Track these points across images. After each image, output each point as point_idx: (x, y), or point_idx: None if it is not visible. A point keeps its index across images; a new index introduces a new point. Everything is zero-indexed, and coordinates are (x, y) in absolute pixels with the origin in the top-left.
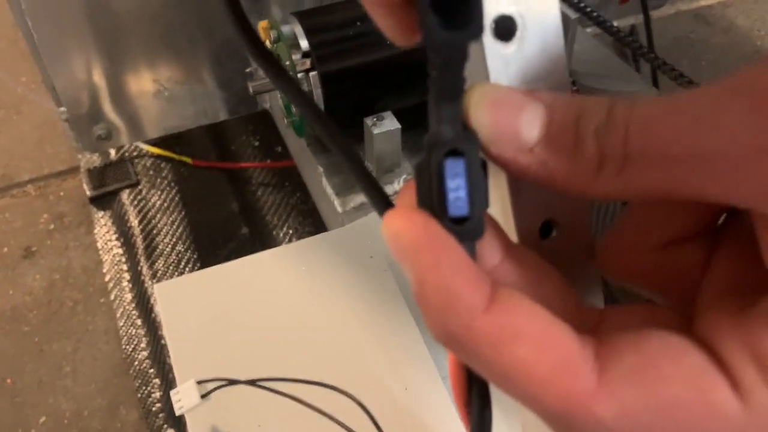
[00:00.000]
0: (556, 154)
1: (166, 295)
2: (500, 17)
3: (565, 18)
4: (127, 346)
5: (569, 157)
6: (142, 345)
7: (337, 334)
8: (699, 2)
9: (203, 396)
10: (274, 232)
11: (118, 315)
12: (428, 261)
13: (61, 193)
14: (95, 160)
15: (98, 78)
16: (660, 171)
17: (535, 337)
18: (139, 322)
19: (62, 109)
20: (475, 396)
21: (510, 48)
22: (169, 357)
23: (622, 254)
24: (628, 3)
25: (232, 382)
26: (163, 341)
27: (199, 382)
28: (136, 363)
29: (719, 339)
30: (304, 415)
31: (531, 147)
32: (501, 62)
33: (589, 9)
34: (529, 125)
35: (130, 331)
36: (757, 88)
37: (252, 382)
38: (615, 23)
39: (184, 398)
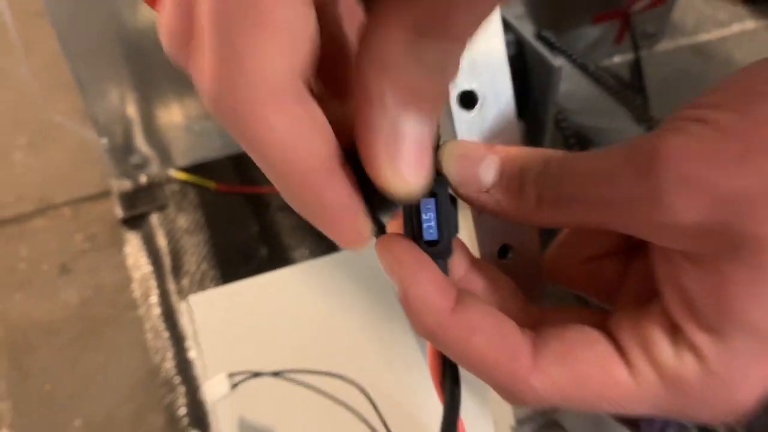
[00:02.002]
0: (506, 194)
1: (199, 305)
2: (464, 92)
3: (549, 66)
4: (155, 357)
5: (515, 197)
6: (169, 356)
7: (348, 335)
8: (698, 37)
9: (233, 386)
10: (292, 253)
11: (146, 328)
12: (408, 275)
13: (94, 215)
14: (127, 184)
15: (134, 113)
16: (579, 210)
17: (488, 331)
18: (165, 335)
19: (103, 140)
20: (447, 376)
21: (472, 114)
22: (195, 366)
23: (561, 267)
24: (624, 42)
25: (257, 374)
26: (188, 353)
27: (229, 375)
28: (163, 373)
29: (621, 332)
30: (318, 402)
31: (488, 189)
32: (465, 125)
33: (570, 54)
34: (486, 173)
35: (157, 343)
36: (643, 156)
37: (275, 374)
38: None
39: (215, 389)
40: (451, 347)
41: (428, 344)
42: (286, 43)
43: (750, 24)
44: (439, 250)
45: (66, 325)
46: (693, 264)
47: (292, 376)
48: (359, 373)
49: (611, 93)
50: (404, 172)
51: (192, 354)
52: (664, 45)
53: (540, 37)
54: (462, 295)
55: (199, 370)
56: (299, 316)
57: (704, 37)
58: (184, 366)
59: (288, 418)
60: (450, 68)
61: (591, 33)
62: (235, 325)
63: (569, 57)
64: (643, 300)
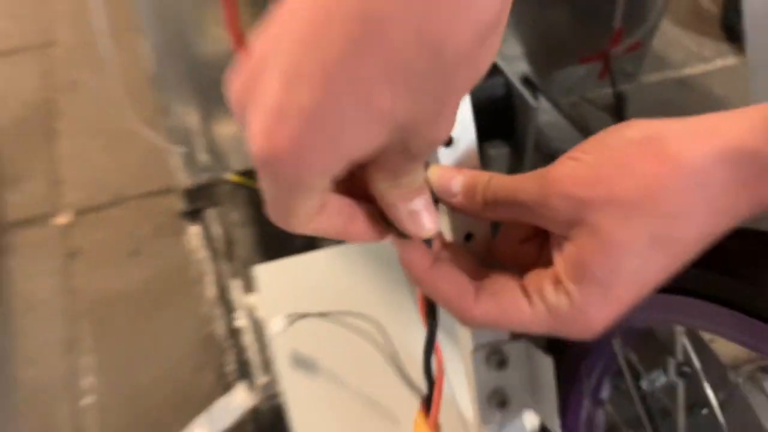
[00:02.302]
0: (466, 199)
1: (262, 272)
2: None
3: (528, 106)
4: (209, 325)
5: (471, 201)
6: (221, 324)
7: (374, 290)
8: (683, 71)
9: (290, 324)
10: (321, 243)
11: (203, 302)
12: (404, 247)
13: (161, 208)
14: (189, 183)
15: (199, 126)
16: (508, 210)
17: (448, 279)
18: (218, 307)
19: (175, 147)
20: (428, 312)
21: (450, 150)
22: (242, 333)
23: (502, 248)
24: (607, 77)
25: (305, 315)
26: (236, 322)
27: (286, 315)
28: (216, 338)
29: (529, 284)
30: (351, 338)
31: (456, 195)
32: (445, 156)
33: (549, 95)
34: (455, 186)
35: (211, 313)
36: (542, 179)
37: (321, 314)
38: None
39: (275, 326)
40: (428, 290)
41: (417, 290)
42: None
43: (731, 60)
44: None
45: (137, 298)
46: (568, 241)
47: (333, 317)
48: (380, 314)
49: (577, 125)
50: (428, 228)
51: (240, 323)
52: (652, 77)
53: (525, 80)
54: (436, 260)
55: (262, 313)
56: (338, 280)
57: (689, 71)
58: (233, 333)
59: (329, 350)
60: (417, 177)
61: (578, 71)
62: (289, 285)
63: (548, 97)
64: (546, 266)
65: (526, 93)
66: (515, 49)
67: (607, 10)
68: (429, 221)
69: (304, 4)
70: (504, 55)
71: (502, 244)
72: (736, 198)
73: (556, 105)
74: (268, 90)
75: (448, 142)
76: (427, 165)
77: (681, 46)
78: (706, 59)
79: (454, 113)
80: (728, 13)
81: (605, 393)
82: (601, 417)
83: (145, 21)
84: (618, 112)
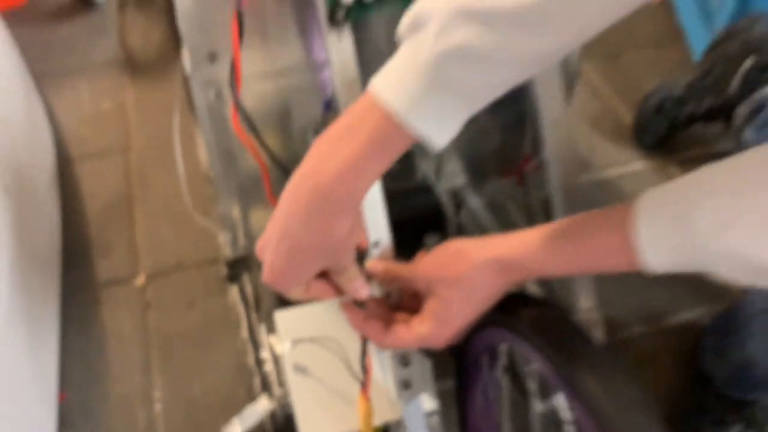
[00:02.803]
0: (383, 277)
1: (279, 317)
2: (374, 240)
3: (449, 218)
4: (243, 357)
5: (386, 277)
6: (251, 357)
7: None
8: (603, 173)
9: (294, 347)
10: None
11: (238, 341)
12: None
13: (210, 273)
14: (230, 255)
15: (239, 216)
16: (400, 281)
17: (370, 325)
18: (248, 346)
19: (224, 231)
20: (363, 339)
21: (377, 249)
22: (265, 363)
23: (404, 301)
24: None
25: (305, 340)
26: (261, 355)
27: (291, 341)
28: (247, 366)
29: (412, 321)
30: (341, 356)
31: (377, 276)
32: (374, 254)
33: (466, 205)
34: (375, 269)
35: (244, 348)
36: (413, 265)
37: (314, 339)
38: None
39: (283, 349)
40: (360, 330)
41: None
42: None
43: (640, 165)
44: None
45: (193, 337)
46: (427, 298)
47: (325, 341)
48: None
49: (493, 222)
50: (362, 295)
51: (264, 355)
52: (579, 179)
53: (454, 194)
54: (366, 316)
55: (278, 348)
56: (332, 325)
57: (607, 173)
58: (259, 362)
59: (324, 363)
60: (351, 273)
61: (502, 182)
62: (299, 325)
63: (468, 204)
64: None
65: (448, 204)
66: (457, 166)
67: (519, 139)
68: (363, 293)
69: (283, 203)
70: (448, 171)
71: (406, 299)
72: (497, 280)
73: (474, 210)
74: (267, 253)
75: (376, 244)
76: (362, 260)
77: (602, 150)
78: (622, 163)
79: (351, 252)
80: (639, 124)
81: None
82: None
83: (207, 142)
84: (546, 209)
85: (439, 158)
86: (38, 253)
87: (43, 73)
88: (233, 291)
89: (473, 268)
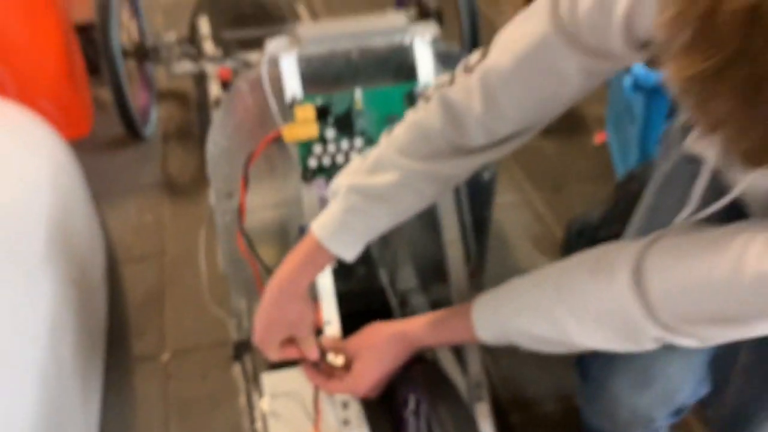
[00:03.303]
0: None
1: (265, 378)
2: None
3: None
4: (241, 419)
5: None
6: (247, 420)
7: None
8: None
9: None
10: None
11: (237, 405)
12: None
13: (219, 353)
14: (236, 338)
15: (245, 308)
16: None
17: (321, 379)
18: (245, 409)
19: (233, 319)
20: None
21: (330, 330)
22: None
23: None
24: None
25: (281, 394)
26: (255, 413)
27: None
28: (243, 424)
29: (345, 376)
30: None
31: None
32: (328, 330)
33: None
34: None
35: (241, 410)
36: (347, 341)
37: (289, 393)
38: None
39: (265, 404)
40: (314, 382)
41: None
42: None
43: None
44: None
45: (204, 403)
46: (354, 358)
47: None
48: None
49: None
50: (314, 358)
51: (256, 414)
52: None
53: (401, 294)
54: (318, 372)
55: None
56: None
57: None
58: (252, 419)
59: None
60: (309, 342)
61: (445, 286)
62: (284, 385)
63: (411, 305)
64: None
65: (395, 303)
66: (409, 273)
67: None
68: (313, 356)
69: (263, 294)
70: (401, 278)
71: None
72: (399, 348)
73: (415, 306)
74: (256, 329)
75: (328, 323)
76: (318, 333)
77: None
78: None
79: (307, 327)
80: (566, 244)
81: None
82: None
83: (223, 252)
84: None
85: (395, 267)
86: (91, 332)
87: (100, 191)
88: (237, 367)
89: (383, 340)
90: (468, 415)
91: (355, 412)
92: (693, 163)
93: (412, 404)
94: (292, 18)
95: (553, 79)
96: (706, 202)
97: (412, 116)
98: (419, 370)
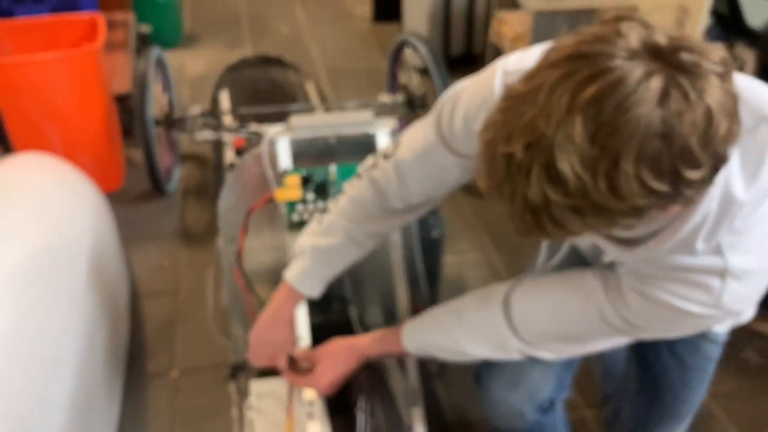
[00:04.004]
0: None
1: (254, 383)
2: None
3: None
4: (232, 429)
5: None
6: (238, 428)
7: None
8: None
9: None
10: None
11: (231, 415)
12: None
13: (218, 374)
14: (233, 361)
15: (241, 334)
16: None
17: (293, 377)
18: (237, 422)
19: (230, 342)
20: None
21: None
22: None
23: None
24: None
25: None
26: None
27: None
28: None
29: (311, 376)
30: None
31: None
32: (300, 345)
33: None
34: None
35: (234, 423)
36: (314, 350)
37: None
38: None
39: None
40: (288, 380)
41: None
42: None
43: (478, 255)
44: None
45: (205, 413)
46: (317, 363)
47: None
48: None
49: None
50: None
51: (246, 422)
52: None
53: (367, 327)
54: (291, 371)
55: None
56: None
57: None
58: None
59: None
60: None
61: None
62: (263, 387)
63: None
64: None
65: (359, 331)
66: (376, 312)
67: (414, 295)
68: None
69: (259, 321)
70: (369, 314)
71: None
72: (350, 357)
73: None
74: (251, 345)
75: (301, 339)
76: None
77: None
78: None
79: (290, 345)
80: None
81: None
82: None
83: (226, 286)
84: None
85: (363, 305)
86: (116, 350)
87: (128, 236)
88: (232, 385)
89: (338, 350)
90: (397, 414)
91: (318, 409)
92: None
93: (360, 403)
94: (302, 96)
95: (440, 170)
96: (552, 253)
97: (349, 191)
98: (366, 377)
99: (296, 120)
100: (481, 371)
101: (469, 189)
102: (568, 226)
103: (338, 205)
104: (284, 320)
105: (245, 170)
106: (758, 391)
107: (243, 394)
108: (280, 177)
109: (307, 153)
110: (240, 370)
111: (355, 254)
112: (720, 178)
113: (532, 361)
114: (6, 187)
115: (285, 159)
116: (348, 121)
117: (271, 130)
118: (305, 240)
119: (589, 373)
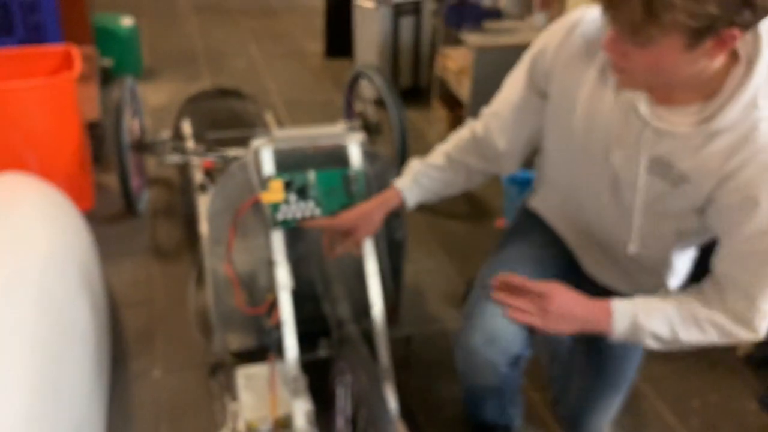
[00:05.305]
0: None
1: (240, 370)
2: None
3: None
4: (215, 419)
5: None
6: (220, 418)
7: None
8: (429, 327)
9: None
10: None
11: (213, 411)
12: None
13: (202, 369)
14: (213, 360)
15: (221, 335)
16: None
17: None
18: (219, 413)
19: (212, 346)
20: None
21: None
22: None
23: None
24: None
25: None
26: (226, 414)
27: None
28: (217, 424)
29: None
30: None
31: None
32: None
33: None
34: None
35: (217, 414)
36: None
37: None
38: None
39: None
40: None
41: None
42: None
43: (432, 263)
44: None
45: (188, 409)
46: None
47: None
48: None
49: None
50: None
51: (228, 414)
52: (427, 329)
53: (339, 322)
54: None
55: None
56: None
57: (434, 327)
58: (225, 420)
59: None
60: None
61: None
62: (248, 372)
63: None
64: None
65: (334, 326)
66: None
67: (390, 294)
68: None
69: (356, 210)
70: (340, 309)
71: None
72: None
73: (349, 331)
74: (343, 218)
75: (285, 322)
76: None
77: (443, 312)
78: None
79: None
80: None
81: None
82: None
83: (210, 281)
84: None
85: (334, 301)
86: (102, 355)
87: (104, 254)
88: (213, 381)
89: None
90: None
91: (302, 386)
92: (531, 218)
93: (340, 375)
94: (261, 124)
95: (525, 113)
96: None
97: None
98: (349, 351)
99: (278, 133)
100: (462, 331)
101: (422, 208)
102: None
103: (444, 142)
104: (375, 219)
105: (230, 179)
106: (683, 372)
107: (224, 388)
108: (264, 182)
109: (288, 161)
110: (220, 368)
111: (450, 177)
112: None
113: (508, 322)
114: None
115: (269, 166)
116: (324, 134)
117: (255, 141)
118: (414, 160)
119: (535, 360)
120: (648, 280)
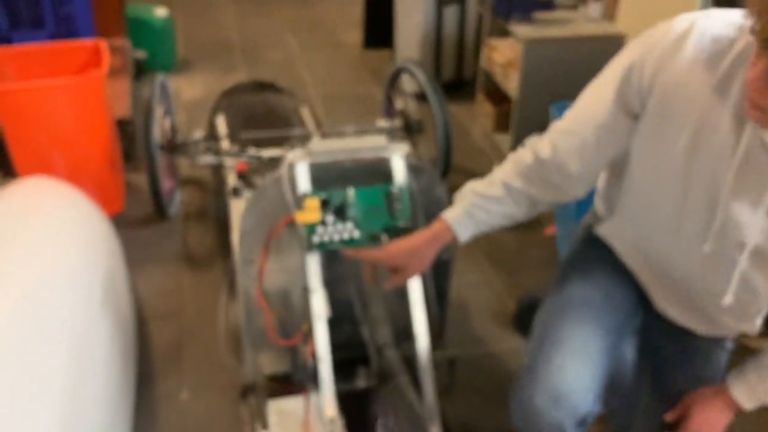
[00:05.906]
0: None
1: (271, 402)
2: None
3: None
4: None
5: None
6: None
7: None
8: (478, 348)
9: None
10: None
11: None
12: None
13: (232, 394)
14: (245, 382)
15: (252, 357)
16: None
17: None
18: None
19: (243, 369)
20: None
21: None
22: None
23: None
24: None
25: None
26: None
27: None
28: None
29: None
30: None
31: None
32: None
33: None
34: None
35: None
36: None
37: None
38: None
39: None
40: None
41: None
42: None
43: (478, 276)
44: None
45: (223, 422)
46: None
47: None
48: None
49: None
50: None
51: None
52: (471, 350)
53: (379, 348)
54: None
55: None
56: None
57: (495, 347)
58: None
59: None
60: None
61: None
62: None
63: (386, 355)
64: None
65: (373, 354)
66: (387, 331)
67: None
68: None
69: (406, 243)
70: (380, 334)
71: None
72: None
73: (389, 356)
74: (392, 251)
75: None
76: None
77: (494, 334)
78: (505, 341)
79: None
80: (517, 318)
81: None
82: None
83: (241, 303)
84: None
85: (374, 325)
86: (127, 376)
87: (130, 260)
88: (243, 405)
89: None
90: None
91: (339, 427)
92: (598, 247)
93: (381, 419)
94: (297, 120)
95: (602, 132)
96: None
97: (512, 156)
98: (388, 395)
99: (314, 145)
100: (522, 386)
101: None
102: None
103: (501, 166)
104: (426, 256)
105: (263, 195)
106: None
107: (255, 414)
108: (299, 200)
109: (325, 177)
110: (251, 391)
111: (510, 209)
112: None
113: (577, 376)
114: (20, 210)
115: (304, 182)
116: (364, 146)
117: (290, 155)
118: (467, 187)
119: None
120: (735, 325)
